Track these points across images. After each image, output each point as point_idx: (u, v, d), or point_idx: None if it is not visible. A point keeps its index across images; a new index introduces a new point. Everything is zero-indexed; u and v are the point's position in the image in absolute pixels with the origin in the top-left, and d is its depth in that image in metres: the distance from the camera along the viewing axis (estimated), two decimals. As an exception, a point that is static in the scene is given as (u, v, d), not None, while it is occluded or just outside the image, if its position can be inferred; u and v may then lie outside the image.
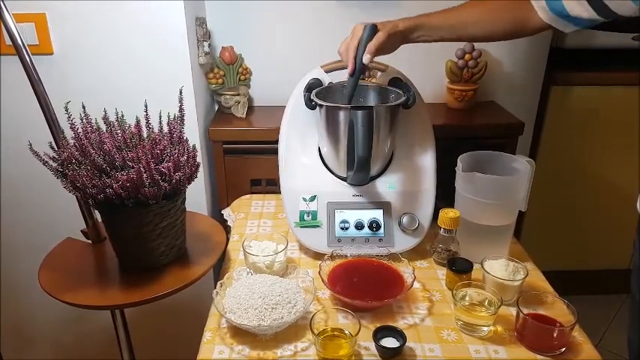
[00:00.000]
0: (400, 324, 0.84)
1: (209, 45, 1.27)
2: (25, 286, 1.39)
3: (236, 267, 0.99)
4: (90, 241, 1.05)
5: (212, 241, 1.03)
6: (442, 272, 0.98)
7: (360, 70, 0.92)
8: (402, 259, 0.94)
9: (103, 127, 0.90)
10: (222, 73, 1.34)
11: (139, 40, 1.14)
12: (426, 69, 1.41)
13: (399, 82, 1.04)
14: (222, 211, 1.29)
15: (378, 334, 0.80)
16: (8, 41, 0.92)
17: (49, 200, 1.28)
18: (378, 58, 0.99)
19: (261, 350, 0.79)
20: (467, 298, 0.86)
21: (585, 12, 0.80)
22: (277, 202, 1.26)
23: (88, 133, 0.87)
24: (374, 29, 0.90)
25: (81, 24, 1.12)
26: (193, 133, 1.22)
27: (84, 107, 0.89)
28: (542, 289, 0.92)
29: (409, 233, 1.01)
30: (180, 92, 0.93)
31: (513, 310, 0.85)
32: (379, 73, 1.08)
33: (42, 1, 1.10)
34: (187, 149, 0.92)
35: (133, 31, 1.13)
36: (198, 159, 0.95)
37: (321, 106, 0.96)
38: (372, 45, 0.89)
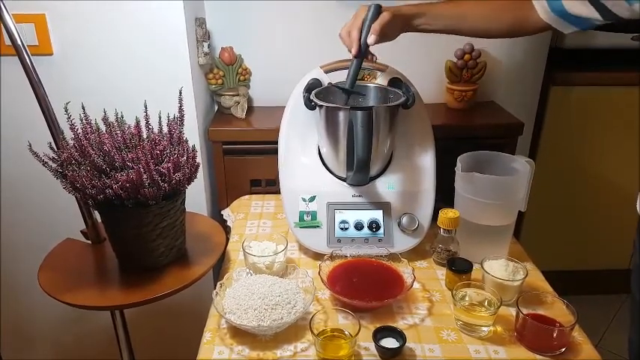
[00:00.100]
0: (400, 324, 0.84)
1: (209, 45, 1.27)
2: (25, 286, 1.39)
3: (236, 267, 0.99)
4: (89, 242, 1.05)
5: (212, 241, 1.03)
6: (442, 272, 0.98)
7: (364, 52, 0.92)
8: (402, 259, 0.94)
9: (103, 127, 0.90)
10: (222, 73, 1.34)
11: (139, 40, 1.14)
12: (425, 69, 1.41)
13: (398, 82, 1.04)
14: (222, 212, 1.29)
15: (378, 334, 0.80)
16: (8, 42, 0.92)
17: (49, 201, 1.28)
18: (377, 59, 1.00)
19: (261, 351, 0.79)
20: (467, 299, 0.86)
21: (586, 11, 0.80)
22: (277, 203, 1.26)
23: (87, 133, 0.87)
24: (378, 9, 0.89)
25: (80, 24, 1.12)
26: (193, 133, 1.22)
27: (83, 108, 0.89)
28: (541, 289, 0.92)
29: (409, 233, 1.01)
30: (180, 93, 0.93)
31: (513, 311, 0.85)
32: (379, 74, 1.08)
33: (41, 2, 1.10)
34: (187, 150, 0.92)
35: (132, 32, 1.13)
36: (198, 159, 0.95)
37: (320, 106, 0.96)
38: (377, 24, 0.88)
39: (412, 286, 0.89)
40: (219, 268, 1.04)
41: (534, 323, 0.78)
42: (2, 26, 0.92)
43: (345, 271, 0.94)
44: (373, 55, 0.97)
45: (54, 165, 0.88)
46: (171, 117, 0.92)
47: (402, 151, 1.05)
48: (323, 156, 1.05)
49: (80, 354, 1.51)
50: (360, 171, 0.94)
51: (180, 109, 0.93)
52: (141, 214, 0.87)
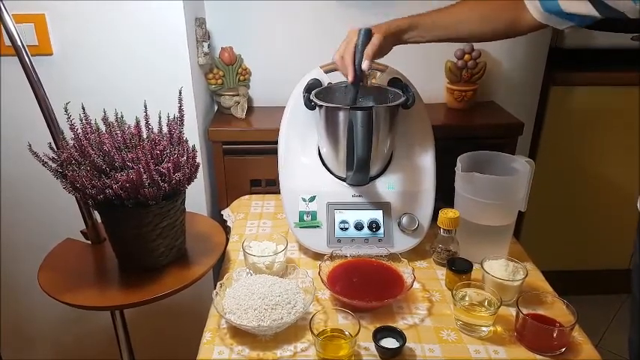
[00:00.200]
0: (400, 324, 0.84)
1: (208, 45, 1.27)
2: (25, 286, 1.39)
3: (236, 267, 0.99)
4: (89, 242, 1.05)
5: (212, 241, 1.03)
6: (442, 272, 0.98)
7: (360, 77, 0.92)
8: (402, 259, 0.94)
9: (103, 127, 0.90)
10: (222, 73, 1.34)
11: (139, 40, 1.14)
12: (425, 69, 1.41)
13: (398, 82, 1.04)
14: (222, 212, 1.29)
15: (378, 334, 0.80)
16: (8, 42, 0.92)
17: (49, 201, 1.28)
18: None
19: (261, 351, 0.79)
20: (466, 299, 0.86)
21: (584, 9, 0.80)
22: (277, 203, 1.26)
23: (87, 133, 0.87)
24: (369, 33, 0.89)
25: (80, 24, 1.12)
26: (193, 133, 1.22)
27: (83, 108, 0.88)
28: (541, 289, 0.92)
29: (409, 233, 1.01)
30: (180, 93, 0.93)
31: (513, 311, 0.85)
32: (379, 74, 1.08)
33: (41, 2, 1.10)
34: (187, 150, 0.92)
35: (132, 32, 1.13)
36: (198, 159, 0.95)
37: (320, 106, 0.96)
38: (369, 50, 0.89)
39: (412, 286, 0.89)
40: (219, 268, 1.04)
41: (534, 323, 0.78)
42: (2, 26, 0.92)
43: (345, 271, 0.94)
44: (369, 76, 0.97)
45: (54, 165, 0.88)
46: (171, 117, 0.92)
47: (402, 151, 1.05)
48: (323, 156, 1.05)
49: (80, 354, 1.51)
50: (360, 171, 0.94)
51: (180, 109, 0.93)
52: (141, 214, 0.87)
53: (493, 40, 0.98)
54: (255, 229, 1.16)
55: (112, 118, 0.91)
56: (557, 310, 0.83)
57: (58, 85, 1.13)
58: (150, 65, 1.16)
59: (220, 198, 1.35)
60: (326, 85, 1.05)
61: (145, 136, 0.91)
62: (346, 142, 0.95)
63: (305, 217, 1.02)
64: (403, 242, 1.01)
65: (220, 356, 0.79)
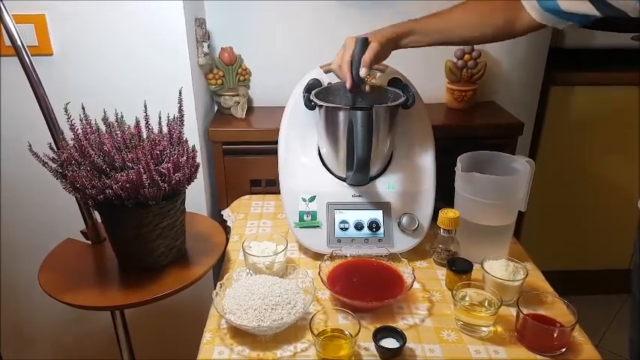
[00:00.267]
0: (400, 324, 0.84)
1: (208, 46, 1.27)
2: (25, 286, 1.39)
3: (236, 268, 0.99)
4: (89, 242, 1.05)
5: (212, 241, 1.03)
6: (442, 272, 0.98)
7: (358, 84, 0.93)
8: (402, 259, 0.94)
9: (103, 127, 0.90)
10: (222, 73, 1.34)
11: (139, 40, 1.14)
12: (425, 69, 1.41)
13: (398, 82, 1.04)
14: (222, 212, 1.29)
15: (378, 334, 0.80)
16: (8, 42, 0.92)
17: (49, 201, 1.28)
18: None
19: (261, 351, 0.79)
20: (467, 299, 0.86)
21: (583, 8, 0.80)
22: (277, 203, 1.26)
23: (87, 133, 0.87)
24: (365, 42, 0.90)
25: (80, 24, 1.12)
26: (193, 133, 1.22)
27: (83, 108, 0.88)
28: (542, 289, 0.92)
29: (409, 233, 1.01)
30: (180, 93, 0.93)
31: (513, 311, 0.85)
32: (379, 74, 1.08)
33: (41, 2, 1.10)
34: (187, 150, 0.92)
35: (132, 32, 1.13)
36: (198, 159, 0.95)
37: (320, 106, 0.96)
38: (366, 58, 0.89)
39: (412, 286, 0.88)
40: (219, 269, 1.04)
41: (535, 323, 0.78)
42: (2, 27, 0.92)
43: (345, 271, 0.94)
44: (366, 85, 0.98)
45: (54, 165, 0.88)
46: (171, 117, 0.92)
47: (402, 151, 1.05)
48: (323, 156, 1.05)
49: (80, 354, 1.51)
50: (360, 171, 0.94)
51: (180, 110, 0.93)
52: (141, 214, 0.87)
53: (491, 42, 0.98)
54: (255, 229, 1.16)
55: (112, 119, 0.91)
56: (558, 310, 0.83)
57: (58, 85, 1.13)
58: (150, 65, 1.16)
59: (220, 198, 1.35)
60: (326, 85, 1.05)
61: (145, 137, 0.91)
62: (346, 142, 0.95)
63: (305, 217, 1.02)
64: (403, 242, 1.01)
65: (220, 356, 0.79)
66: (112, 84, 1.17)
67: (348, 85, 0.93)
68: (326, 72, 1.05)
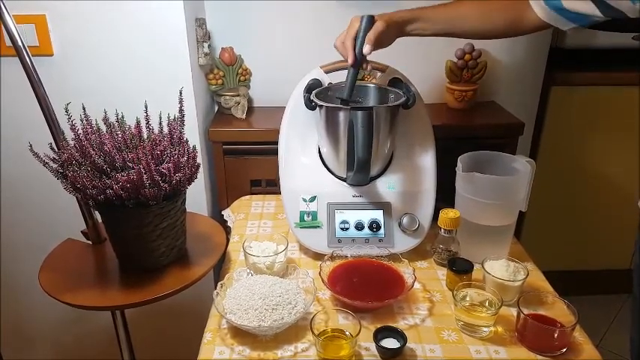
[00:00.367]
0: (401, 324, 0.84)
1: (209, 46, 1.27)
2: (25, 286, 1.39)
3: (236, 268, 0.99)
4: (90, 242, 1.05)
5: (212, 241, 1.03)
6: (442, 273, 0.98)
7: (360, 62, 0.92)
8: (403, 259, 0.94)
9: (103, 128, 0.90)
10: (222, 73, 1.34)
11: (139, 40, 1.14)
12: (425, 69, 1.41)
13: (398, 82, 1.04)
14: (223, 212, 1.29)
15: (379, 334, 0.80)
16: (8, 42, 0.92)
17: (49, 201, 1.28)
18: (377, 59, 0.99)
19: (262, 351, 0.79)
20: (467, 299, 0.86)
21: (586, 7, 0.80)
22: (277, 203, 1.26)
23: (88, 134, 0.87)
24: (371, 19, 0.90)
25: (81, 25, 1.12)
26: (193, 133, 1.22)
27: (84, 108, 0.89)
28: (542, 289, 0.92)
29: (409, 234, 1.01)
30: (180, 93, 0.93)
31: (514, 311, 0.85)
32: (379, 74, 1.08)
33: (42, 2, 1.10)
34: (187, 150, 0.92)
35: (132, 32, 1.13)
36: (198, 160, 0.95)
37: (320, 106, 0.96)
38: (371, 34, 0.88)
39: (413, 286, 0.88)
40: (220, 269, 1.04)
41: (535, 323, 0.78)
42: (3, 27, 0.92)
43: (346, 271, 0.94)
44: (369, 62, 0.97)
45: (54, 165, 0.88)
46: (172, 117, 0.92)
47: (403, 151, 1.05)
48: (323, 156, 1.05)
49: (80, 354, 1.51)
50: (360, 171, 0.94)
51: (181, 110, 0.93)
52: (141, 214, 0.87)
53: (495, 37, 0.98)
54: (255, 230, 1.16)
55: (112, 119, 0.91)
56: (558, 310, 0.83)
57: (59, 85, 1.13)
58: (150, 65, 1.16)
59: (221, 198, 1.35)
60: (326, 85, 1.05)
61: (145, 137, 0.91)
62: (346, 143, 0.95)
63: (305, 218, 1.02)
64: (404, 242, 1.01)
65: (221, 356, 0.79)
66: (113, 84, 1.17)
67: (349, 60, 0.91)
68: (326, 72, 1.06)
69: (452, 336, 0.83)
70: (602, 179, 1.71)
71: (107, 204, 0.85)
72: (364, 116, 0.89)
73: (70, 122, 0.86)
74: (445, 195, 1.03)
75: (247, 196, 1.32)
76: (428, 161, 1.04)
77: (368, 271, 0.95)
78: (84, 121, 0.88)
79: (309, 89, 1.01)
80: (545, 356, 0.78)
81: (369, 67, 0.96)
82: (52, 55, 1.15)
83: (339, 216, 1.01)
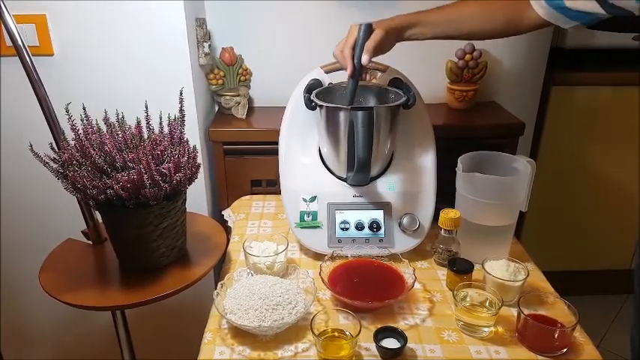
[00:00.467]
0: (401, 325, 0.84)
1: (209, 46, 1.27)
2: (25, 286, 1.39)
3: (236, 268, 0.99)
4: (90, 242, 1.05)
5: (212, 241, 1.03)
6: (443, 273, 0.98)
7: (360, 71, 0.92)
8: (403, 259, 0.94)
9: (104, 128, 0.90)
10: (223, 73, 1.34)
11: (139, 40, 1.14)
12: (426, 69, 1.41)
13: (399, 82, 1.04)
14: (223, 212, 1.29)
15: (379, 334, 0.80)
16: (9, 42, 0.92)
17: (50, 201, 1.28)
18: (377, 59, 0.99)
19: (262, 351, 0.79)
20: (468, 299, 0.86)
21: (589, 6, 0.79)
22: (277, 203, 1.26)
23: (88, 134, 0.87)
24: (369, 28, 0.89)
25: (81, 24, 1.12)
26: (194, 133, 1.22)
27: (84, 108, 0.89)
28: (543, 289, 0.92)
29: (410, 234, 1.01)
30: (181, 93, 0.93)
31: (514, 311, 0.85)
32: (379, 74, 1.08)
33: (42, 2, 1.10)
34: (188, 150, 0.92)
35: (132, 32, 1.13)
36: (199, 160, 0.95)
37: (321, 106, 0.96)
38: (369, 44, 0.88)
39: (413, 286, 0.88)
40: (220, 269, 1.04)
41: (535, 324, 0.78)
42: (3, 27, 0.92)
43: (346, 271, 0.94)
44: (368, 71, 0.97)
45: (55, 165, 0.88)
46: (172, 117, 0.92)
47: (403, 151, 1.05)
48: (323, 156, 1.05)
49: (81, 354, 1.51)
50: (360, 171, 0.94)
51: (181, 110, 0.93)
52: (142, 214, 0.87)
53: (494, 37, 0.98)
54: (255, 230, 1.16)
55: (113, 119, 0.91)
56: (559, 310, 0.83)
57: (59, 85, 1.13)
58: (150, 65, 1.16)
59: (221, 198, 1.35)
60: (326, 85, 1.05)
61: (145, 137, 0.91)
62: (347, 143, 0.95)
63: (306, 218, 1.02)
64: (404, 242, 1.01)
65: (221, 356, 0.79)
66: (113, 84, 1.17)
67: (348, 71, 0.91)
68: (327, 72, 1.05)
69: (452, 336, 0.82)
70: (603, 179, 1.71)
71: (107, 204, 0.85)
72: (364, 116, 0.89)
73: (71, 122, 0.86)
74: (445, 195, 1.03)
75: (247, 196, 1.32)
76: (428, 161, 1.04)
77: (368, 272, 0.95)
78: (84, 121, 0.88)
79: (309, 89, 1.01)
80: (545, 356, 0.78)
81: (368, 77, 0.96)
82: (52, 55, 1.15)
83: (340, 216, 1.01)
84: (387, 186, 1.02)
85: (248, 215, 1.22)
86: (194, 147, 0.94)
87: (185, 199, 0.96)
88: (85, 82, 1.17)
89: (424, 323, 0.85)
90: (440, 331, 0.83)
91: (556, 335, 0.79)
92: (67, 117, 0.86)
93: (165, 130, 0.92)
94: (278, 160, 1.06)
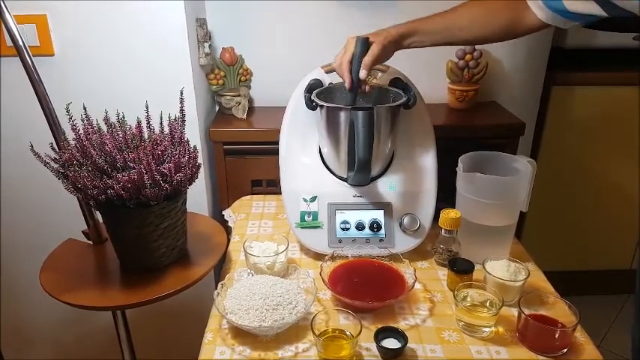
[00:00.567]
0: (401, 325, 0.84)
1: (209, 46, 1.27)
2: (26, 286, 1.39)
3: (237, 268, 0.99)
4: (91, 242, 1.05)
5: (213, 241, 1.03)
6: (443, 273, 0.98)
7: (357, 85, 0.92)
8: (403, 259, 0.94)
9: (104, 128, 0.90)
10: (223, 74, 1.34)
11: (140, 40, 1.14)
12: (426, 69, 1.40)
13: (399, 82, 1.04)
14: (223, 212, 1.29)
15: (380, 334, 0.80)
16: (9, 42, 0.92)
17: (50, 201, 1.28)
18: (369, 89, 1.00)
19: (262, 351, 0.79)
20: (468, 299, 0.86)
21: (589, 7, 0.79)
22: (278, 203, 1.26)
23: (89, 134, 0.87)
24: (366, 43, 0.90)
25: (81, 24, 1.12)
26: (194, 133, 1.22)
27: (85, 108, 0.89)
28: (543, 289, 0.92)
29: (410, 234, 1.01)
30: (181, 93, 0.93)
31: (515, 311, 0.85)
32: (380, 74, 1.08)
33: (43, 2, 1.10)
34: (188, 150, 0.92)
35: (133, 32, 1.13)
36: (199, 160, 0.95)
37: (321, 106, 0.96)
38: (367, 59, 0.89)
39: (413, 286, 0.88)
40: (220, 269, 1.04)
41: (536, 324, 0.78)
42: (4, 27, 0.92)
43: (347, 271, 0.94)
44: (367, 85, 0.97)
45: (55, 165, 0.88)
46: (173, 117, 0.92)
47: (403, 151, 1.05)
48: (324, 156, 1.05)
49: (81, 354, 1.51)
50: (361, 171, 0.94)
51: (182, 110, 0.93)
52: (142, 214, 0.87)
53: (495, 42, 0.98)
54: (256, 230, 1.16)
55: (113, 119, 0.91)
56: (559, 310, 0.83)
57: (59, 85, 1.13)
58: (151, 66, 1.16)
59: (221, 198, 1.35)
60: (327, 85, 1.05)
61: (146, 137, 0.91)
62: (347, 143, 0.95)
63: (306, 218, 1.02)
64: (404, 242, 1.01)
65: (222, 356, 0.79)
66: (114, 84, 1.18)
67: (347, 86, 0.93)
68: (327, 72, 1.05)
69: (453, 336, 0.82)
70: (603, 179, 1.71)
71: (108, 204, 0.85)
72: (365, 116, 0.89)
73: (71, 122, 0.86)
74: (446, 195, 1.03)
75: (248, 196, 1.32)
76: (429, 161, 1.04)
77: (369, 272, 0.95)
78: (85, 121, 0.88)
79: (309, 89, 1.01)
80: (546, 356, 0.78)
81: (367, 89, 0.97)
82: (52, 55, 1.15)
83: (340, 216, 1.01)
84: (388, 186, 1.02)
85: (248, 215, 1.22)
86: (194, 147, 0.94)
87: (185, 199, 0.96)
88: (86, 82, 1.17)
89: (425, 323, 0.85)
90: (440, 331, 0.83)
91: (557, 335, 0.79)
92: (68, 117, 0.86)
93: (166, 130, 0.92)
94: (278, 160, 1.06)
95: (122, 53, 1.15)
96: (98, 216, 1.02)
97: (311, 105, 0.98)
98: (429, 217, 1.02)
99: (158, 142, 0.88)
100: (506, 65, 1.45)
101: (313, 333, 0.77)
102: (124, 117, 0.92)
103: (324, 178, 1.04)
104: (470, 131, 1.33)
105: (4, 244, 1.35)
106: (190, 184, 0.93)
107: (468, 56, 1.36)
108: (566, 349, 0.79)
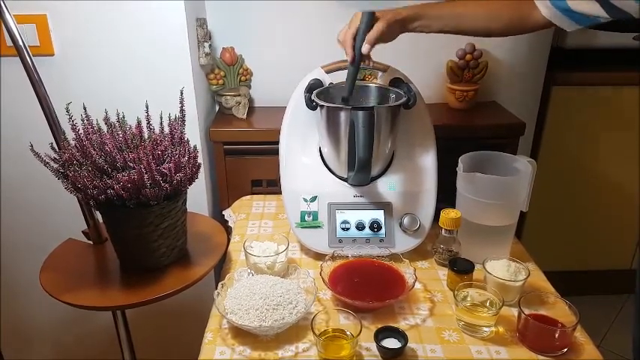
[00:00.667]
0: (401, 325, 0.84)
1: (210, 46, 1.27)
2: (26, 286, 1.39)
3: (237, 268, 0.99)
4: (91, 242, 1.05)
5: (213, 241, 1.03)
6: (443, 273, 0.98)
7: (359, 60, 0.92)
8: (404, 259, 0.94)
9: (104, 127, 0.90)
10: (223, 73, 1.34)
11: (140, 40, 1.14)
12: (426, 69, 1.41)
13: (399, 82, 1.04)
14: (223, 212, 1.29)
15: (380, 334, 0.80)
16: (9, 42, 0.92)
17: (50, 201, 1.28)
18: (378, 58, 0.99)
19: (263, 351, 0.79)
20: (468, 299, 0.86)
21: (592, 8, 0.80)
22: (278, 203, 1.26)
23: (89, 134, 0.87)
24: (371, 17, 0.89)
25: (81, 24, 1.12)
26: (194, 133, 1.22)
27: (85, 108, 0.89)
28: (543, 289, 0.92)
29: (410, 234, 1.01)
30: (181, 93, 0.93)
31: (515, 311, 0.85)
32: (380, 74, 1.08)
33: (43, 2, 1.10)
34: (188, 150, 0.92)
35: (133, 32, 1.13)
36: (199, 160, 0.95)
37: (321, 106, 0.96)
38: (371, 35, 0.89)
39: (414, 286, 0.88)
40: (221, 269, 1.04)
41: (536, 324, 0.78)
42: (3, 27, 0.92)
43: (347, 271, 0.94)
44: (370, 60, 0.97)
45: (55, 165, 0.88)
46: (173, 117, 0.92)
47: (404, 151, 1.05)
48: (324, 156, 1.05)
49: (81, 354, 1.51)
50: (361, 171, 0.94)
51: (182, 110, 0.93)
52: (142, 214, 0.87)
53: (498, 36, 0.98)
54: (256, 230, 1.16)
55: (113, 119, 0.91)
56: (559, 310, 0.83)
57: (59, 85, 1.13)
58: (151, 65, 1.16)
59: (221, 198, 1.35)
60: (327, 85, 1.05)
61: (146, 137, 0.91)
62: (347, 143, 0.95)
63: (306, 218, 1.02)
64: (405, 242, 1.01)
65: (222, 356, 0.79)
66: (114, 84, 1.17)
67: (348, 59, 0.92)
68: (327, 72, 1.05)
69: (453, 336, 0.82)
70: (603, 179, 1.71)
71: (108, 204, 0.85)
72: (365, 116, 0.89)
73: (71, 122, 0.86)
74: (446, 195, 1.03)
75: (248, 196, 1.32)
76: (429, 161, 1.04)
77: (369, 271, 0.95)
78: (85, 121, 0.88)
79: (309, 89, 1.01)
80: (546, 356, 0.78)
81: (370, 64, 0.96)
82: (52, 54, 1.15)
83: (340, 216, 1.01)
84: (388, 186, 1.02)
85: (248, 215, 1.22)
86: (194, 147, 0.94)
87: (185, 199, 0.96)
88: (86, 82, 1.17)
89: (425, 323, 0.85)
90: (440, 331, 0.83)
91: (557, 335, 0.79)
92: (68, 117, 0.86)
93: (166, 130, 0.92)
94: (278, 160, 1.06)
95: (122, 53, 1.15)
96: (98, 216, 1.02)
97: (311, 105, 0.98)
98: (429, 217, 1.02)
99: (158, 142, 0.88)
100: (507, 65, 1.45)
101: (313, 333, 0.77)
102: (124, 117, 0.92)
103: (325, 178, 1.04)
104: (470, 131, 1.33)
105: (4, 244, 1.35)
106: (190, 184, 0.93)
107: (468, 56, 1.36)
108: (566, 349, 0.79)
